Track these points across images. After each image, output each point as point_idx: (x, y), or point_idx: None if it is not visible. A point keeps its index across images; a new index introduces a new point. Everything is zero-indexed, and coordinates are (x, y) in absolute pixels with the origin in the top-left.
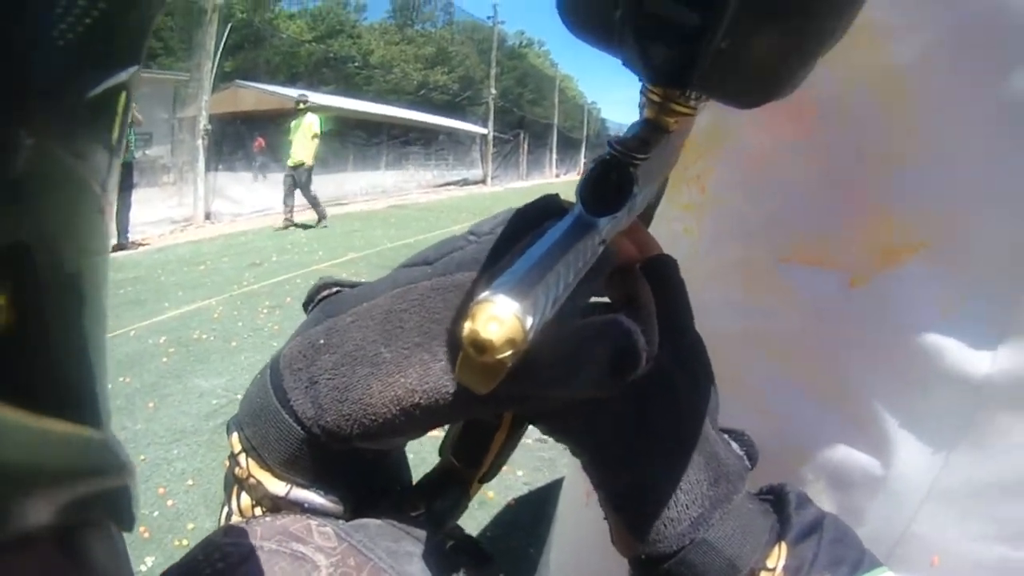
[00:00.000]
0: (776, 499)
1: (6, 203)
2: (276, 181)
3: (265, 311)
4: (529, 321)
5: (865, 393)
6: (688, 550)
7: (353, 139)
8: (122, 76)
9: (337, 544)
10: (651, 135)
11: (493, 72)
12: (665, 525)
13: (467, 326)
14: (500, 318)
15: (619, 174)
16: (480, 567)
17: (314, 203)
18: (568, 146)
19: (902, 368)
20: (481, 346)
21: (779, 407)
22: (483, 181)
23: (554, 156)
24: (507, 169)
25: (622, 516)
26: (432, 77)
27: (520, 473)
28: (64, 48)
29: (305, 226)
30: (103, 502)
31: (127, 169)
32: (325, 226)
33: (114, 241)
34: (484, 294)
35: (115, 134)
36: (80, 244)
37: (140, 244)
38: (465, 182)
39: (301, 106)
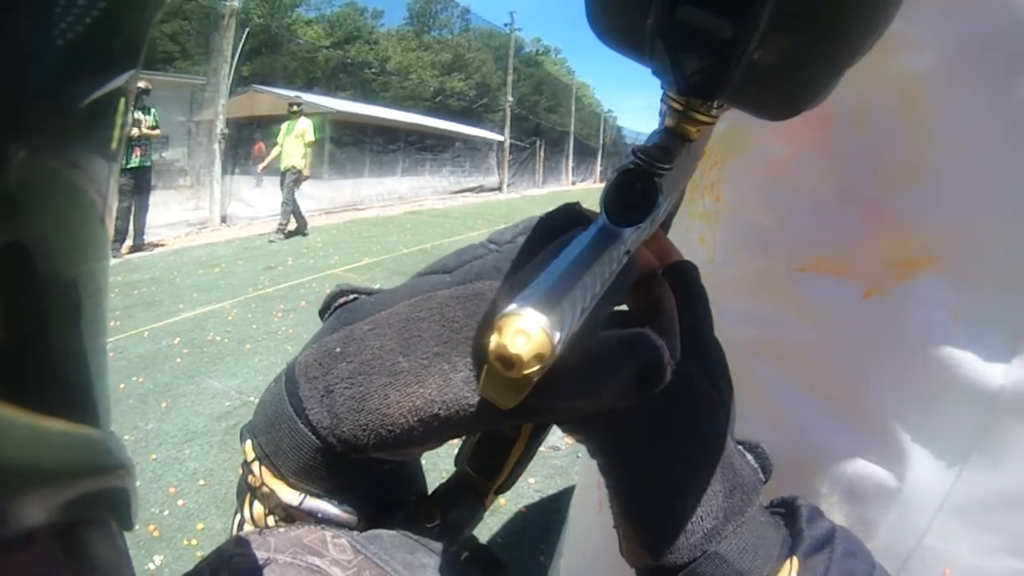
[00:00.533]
0: (788, 512)
1: (10, 209)
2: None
3: (280, 314)
4: (557, 335)
5: (880, 404)
6: (699, 562)
7: (370, 145)
8: (119, 81)
9: (353, 557)
10: (673, 144)
11: (510, 79)
12: (678, 535)
13: (494, 340)
14: (528, 332)
15: (643, 184)
16: None
17: (286, 209)
18: (584, 154)
19: (917, 379)
20: (508, 361)
21: (794, 418)
22: (499, 188)
23: (570, 164)
24: (523, 176)
25: (635, 523)
26: (449, 83)
27: (532, 481)
28: (58, 56)
29: (292, 234)
30: (103, 500)
31: (146, 172)
32: (279, 239)
33: (130, 243)
34: (510, 307)
35: (114, 140)
36: (78, 251)
37: (156, 245)
38: (481, 189)
39: (295, 109)
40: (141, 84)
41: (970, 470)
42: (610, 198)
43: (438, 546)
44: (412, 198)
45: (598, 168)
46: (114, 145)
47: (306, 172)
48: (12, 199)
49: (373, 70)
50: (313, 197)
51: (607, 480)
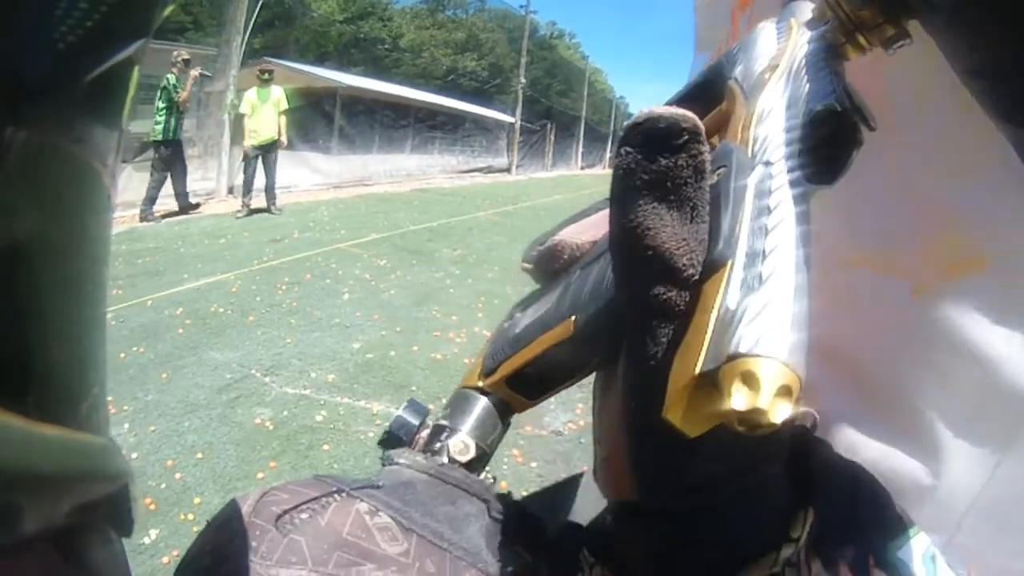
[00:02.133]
0: (801, 452)
1: (10, 208)
2: (289, 158)
3: (284, 287)
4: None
5: (920, 401)
6: (696, 509)
7: (380, 121)
8: (129, 51)
9: (406, 543)
10: (838, 65)
11: (523, 61)
12: (681, 470)
13: (744, 397)
14: (792, 390)
15: (844, 133)
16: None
17: (273, 187)
18: (595, 139)
19: (958, 379)
20: (757, 424)
21: (832, 411)
22: (508, 170)
23: (580, 148)
24: (533, 159)
25: (636, 442)
26: (461, 63)
27: (534, 465)
28: (66, 25)
29: (260, 210)
30: (102, 507)
31: (177, 146)
32: (279, 212)
33: (136, 211)
34: (758, 347)
35: (125, 110)
36: (79, 230)
37: (167, 216)
38: (490, 169)
39: (266, 77)
40: (185, 55)
41: (1003, 471)
42: (810, 149)
43: (475, 483)
44: (420, 175)
45: (607, 154)
46: (124, 115)
47: (284, 141)
48: (14, 186)
49: (386, 46)
50: (321, 171)
51: (626, 371)
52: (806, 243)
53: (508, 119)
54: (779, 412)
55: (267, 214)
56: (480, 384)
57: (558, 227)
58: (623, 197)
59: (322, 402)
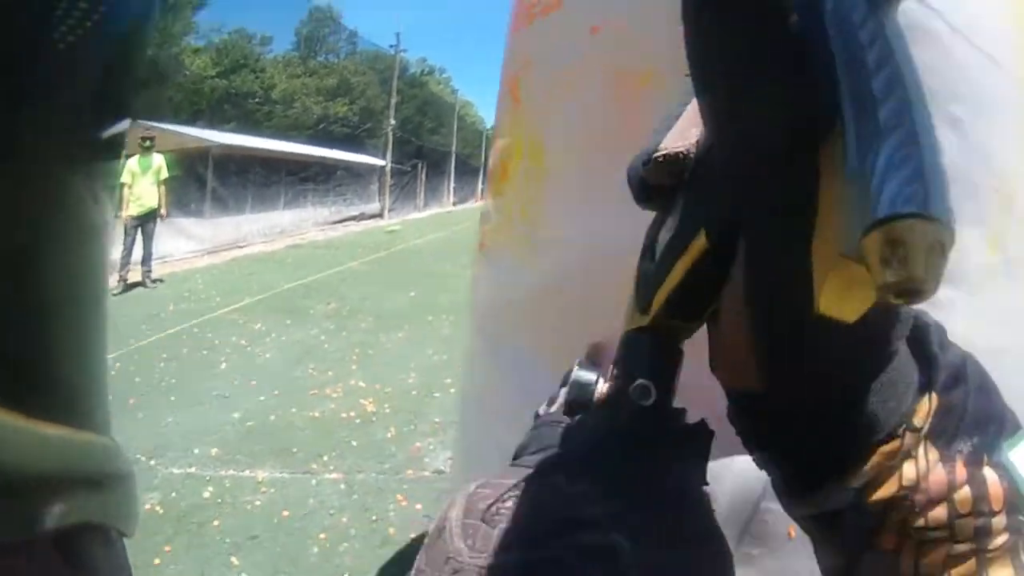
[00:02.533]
0: (920, 331)
1: (13, 211)
2: (163, 227)
3: (162, 363)
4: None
5: None
6: (822, 395)
7: (252, 179)
8: (125, 125)
9: (616, 507)
10: None
11: (392, 102)
12: (813, 352)
13: (897, 271)
14: (943, 244)
15: None
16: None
17: (150, 258)
18: (466, 173)
19: None
20: (916, 292)
21: None
22: (380, 214)
23: (451, 184)
24: (405, 201)
25: (762, 327)
26: (333, 109)
27: (419, 507)
28: (65, 31)
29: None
30: (103, 506)
31: None
32: (159, 283)
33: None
34: (901, 205)
35: (118, 174)
36: (82, 253)
37: None
38: (363, 216)
39: (147, 144)
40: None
41: None
42: None
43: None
44: (294, 231)
45: (479, 186)
46: (117, 178)
47: (164, 212)
48: (27, 199)
49: (257, 99)
50: (195, 237)
51: (748, 254)
52: (917, 78)
53: (379, 162)
54: (935, 273)
55: (143, 288)
56: (641, 324)
57: (654, 142)
58: (705, 58)
59: (207, 478)
